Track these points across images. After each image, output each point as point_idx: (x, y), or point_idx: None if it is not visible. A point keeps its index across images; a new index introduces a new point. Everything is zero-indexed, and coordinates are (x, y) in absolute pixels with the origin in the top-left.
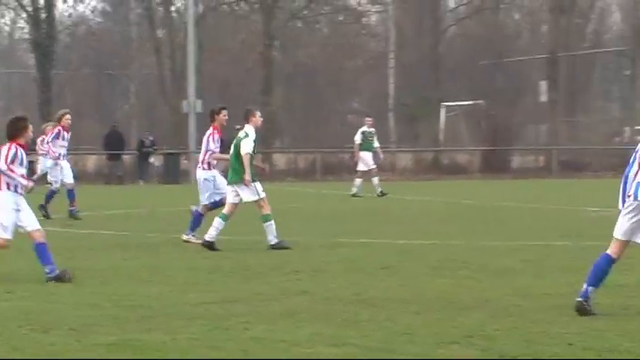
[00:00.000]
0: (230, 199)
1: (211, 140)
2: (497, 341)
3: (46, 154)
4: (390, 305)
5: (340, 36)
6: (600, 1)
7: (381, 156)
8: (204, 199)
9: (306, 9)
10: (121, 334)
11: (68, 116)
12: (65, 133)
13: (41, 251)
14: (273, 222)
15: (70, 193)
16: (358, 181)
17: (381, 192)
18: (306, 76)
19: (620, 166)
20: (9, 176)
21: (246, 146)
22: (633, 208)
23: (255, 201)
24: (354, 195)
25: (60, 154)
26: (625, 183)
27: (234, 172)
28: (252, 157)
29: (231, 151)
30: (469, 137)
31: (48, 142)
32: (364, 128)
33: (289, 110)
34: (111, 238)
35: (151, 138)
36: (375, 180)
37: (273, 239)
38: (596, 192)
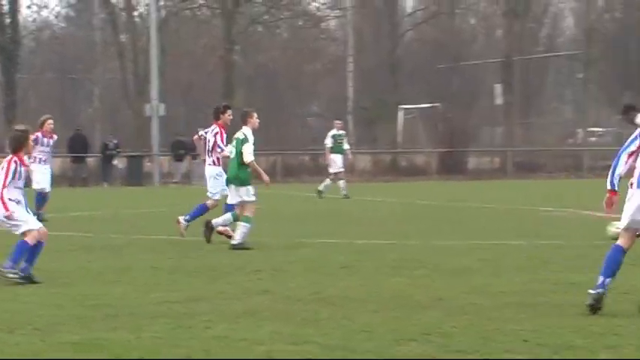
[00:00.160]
0: (233, 200)
1: (219, 139)
2: (453, 338)
3: None
4: (348, 304)
5: (300, 40)
6: (553, 6)
7: (350, 157)
8: (216, 194)
9: (267, 14)
10: (85, 334)
11: (50, 121)
12: (45, 139)
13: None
14: (250, 227)
15: (39, 197)
16: (327, 181)
17: (346, 195)
18: (267, 79)
19: (573, 167)
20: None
21: (249, 154)
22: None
23: (246, 201)
24: (319, 191)
25: (39, 159)
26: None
27: (235, 175)
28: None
29: (232, 152)
30: (426, 139)
31: None
32: (334, 131)
33: None
34: (76, 240)
35: (115, 141)
36: (342, 183)
37: (238, 240)
38: (550, 192)
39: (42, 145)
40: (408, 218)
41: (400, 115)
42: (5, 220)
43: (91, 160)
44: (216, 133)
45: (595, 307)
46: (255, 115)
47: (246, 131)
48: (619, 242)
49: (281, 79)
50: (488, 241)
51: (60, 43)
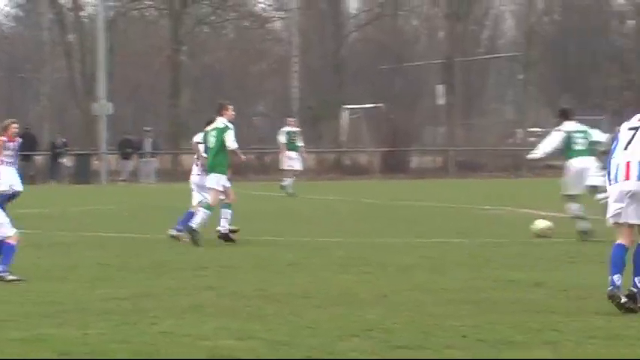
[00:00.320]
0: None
1: None
2: (395, 334)
3: None
4: (294, 300)
5: (246, 41)
6: (494, 8)
7: (304, 155)
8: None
9: (213, 15)
10: (32, 330)
11: (15, 125)
12: (10, 144)
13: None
14: (209, 215)
15: (9, 197)
16: (290, 179)
17: (292, 193)
18: (213, 79)
19: (513, 166)
20: None
21: (233, 141)
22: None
23: (211, 188)
24: (289, 192)
25: (6, 162)
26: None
27: (214, 164)
28: (226, 150)
29: (211, 141)
30: (370, 139)
31: None
32: (288, 128)
33: (197, 112)
34: (24, 237)
35: (63, 139)
36: (289, 182)
37: (197, 224)
38: (490, 191)
39: (6, 149)
40: (353, 216)
41: (344, 114)
42: None
43: (40, 159)
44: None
45: (615, 299)
46: (231, 107)
47: (224, 121)
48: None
49: (227, 79)
50: (431, 239)
51: (9, 43)
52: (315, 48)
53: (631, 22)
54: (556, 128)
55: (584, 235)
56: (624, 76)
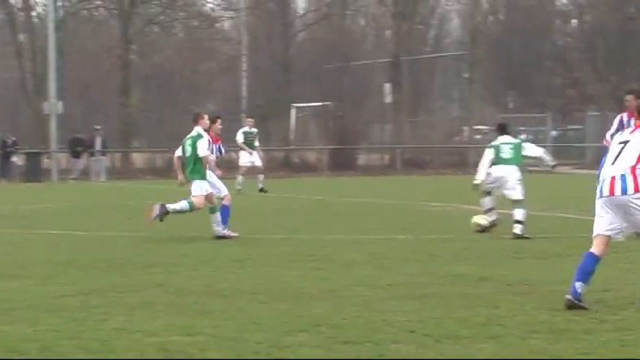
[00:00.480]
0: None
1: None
2: (343, 329)
3: None
4: (240, 296)
5: (195, 40)
6: (440, 7)
7: (261, 154)
8: (223, 191)
9: (162, 15)
10: None
11: None
12: None
13: None
14: (187, 210)
15: None
16: (260, 177)
17: (239, 190)
18: (163, 78)
19: (459, 163)
20: None
21: (203, 148)
22: None
23: (195, 195)
24: (261, 190)
25: None
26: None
27: (191, 171)
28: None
29: (188, 150)
30: (318, 137)
31: None
32: (245, 128)
33: (147, 111)
34: None
35: (13, 138)
36: (240, 179)
37: (171, 209)
38: (436, 188)
39: None
40: (301, 213)
41: (293, 113)
42: None
43: None
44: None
45: None
46: (207, 116)
47: (199, 130)
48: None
49: (177, 78)
50: (378, 235)
51: None
52: (264, 47)
53: (574, 22)
54: (489, 144)
55: (481, 226)
56: (567, 74)
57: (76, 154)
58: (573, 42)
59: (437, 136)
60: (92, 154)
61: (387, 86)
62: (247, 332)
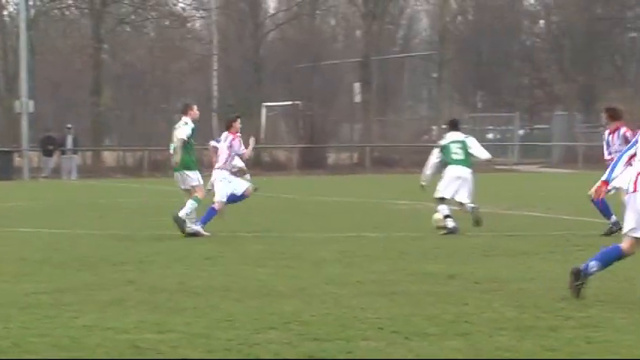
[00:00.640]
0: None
1: (236, 144)
2: (312, 326)
3: None
4: (212, 294)
5: (166, 40)
6: (409, 8)
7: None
8: (223, 197)
9: (134, 14)
10: None
11: None
12: None
13: None
14: (196, 206)
15: None
16: (247, 176)
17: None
18: (134, 77)
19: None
20: None
21: (183, 133)
22: None
23: (194, 186)
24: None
25: None
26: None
27: (180, 162)
28: (189, 143)
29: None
30: (288, 135)
31: None
32: None
33: (118, 110)
34: None
35: None
36: (248, 177)
37: (182, 213)
38: (406, 186)
39: None
40: (272, 211)
41: (263, 112)
42: None
43: None
44: (232, 140)
45: None
46: (195, 107)
47: (187, 120)
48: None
49: (148, 77)
50: (348, 233)
51: None
52: (235, 47)
53: (542, 22)
54: (437, 144)
55: (446, 229)
56: (535, 74)
57: (47, 153)
58: (541, 42)
59: (406, 136)
60: (63, 153)
61: (357, 86)
62: (219, 329)
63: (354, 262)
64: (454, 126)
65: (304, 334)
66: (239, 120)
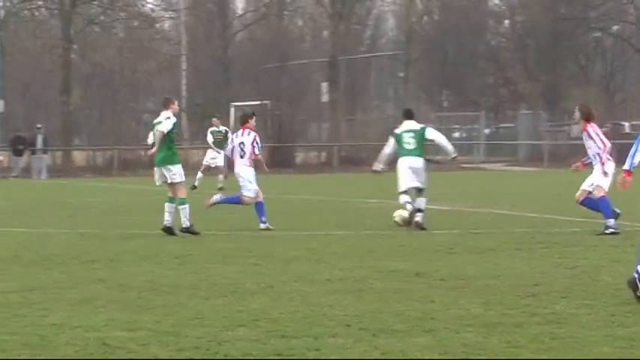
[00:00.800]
0: (160, 181)
1: (257, 142)
2: (281, 323)
3: None
4: (181, 292)
5: (135, 40)
6: (376, 8)
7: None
8: (252, 191)
9: (103, 15)
10: None
11: None
12: None
13: None
14: (188, 206)
15: None
16: (221, 176)
17: (195, 186)
18: (104, 77)
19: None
20: None
21: (164, 126)
22: None
23: (178, 182)
24: (220, 188)
25: None
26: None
27: (163, 157)
28: (170, 136)
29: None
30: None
31: None
32: (213, 128)
33: (87, 109)
34: None
35: None
36: (200, 175)
37: (186, 222)
38: (373, 185)
39: None
40: (240, 209)
41: (232, 112)
42: None
43: None
44: (255, 136)
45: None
46: (176, 102)
47: (168, 114)
48: None
49: (117, 77)
50: (315, 232)
51: None
52: (203, 47)
53: (507, 22)
54: (392, 132)
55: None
56: (500, 74)
57: (17, 153)
58: (506, 42)
59: (373, 135)
60: (33, 152)
61: (324, 85)
62: (188, 327)
63: (322, 259)
64: (409, 115)
65: (272, 331)
66: (255, 117)
